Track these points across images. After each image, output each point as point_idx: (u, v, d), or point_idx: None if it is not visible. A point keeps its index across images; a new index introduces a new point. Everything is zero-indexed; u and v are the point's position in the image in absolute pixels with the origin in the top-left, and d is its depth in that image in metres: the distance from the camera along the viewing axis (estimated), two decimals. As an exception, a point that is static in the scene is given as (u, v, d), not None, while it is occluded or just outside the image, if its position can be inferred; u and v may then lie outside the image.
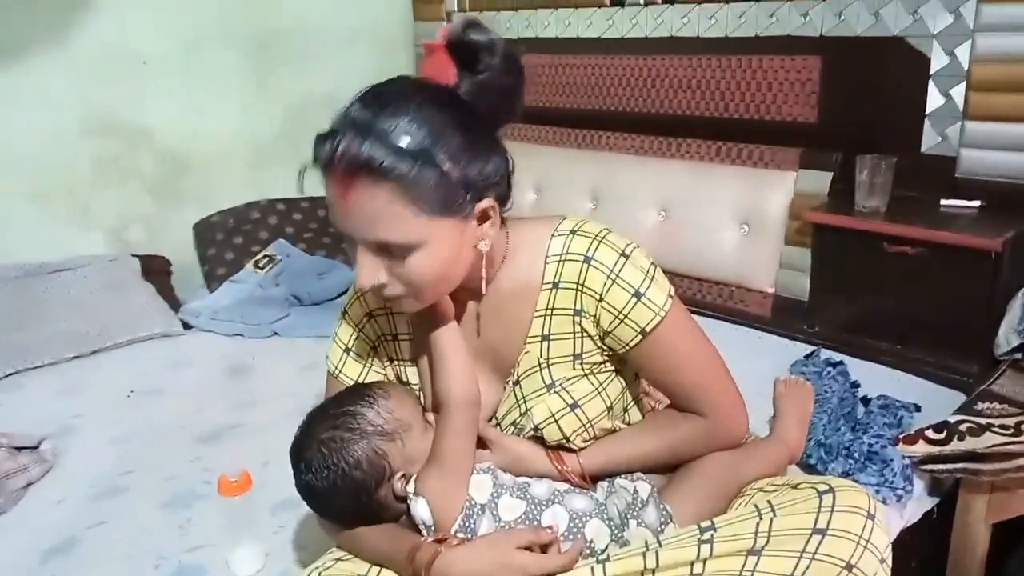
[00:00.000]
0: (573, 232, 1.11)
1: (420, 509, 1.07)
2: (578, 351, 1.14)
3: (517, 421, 1.18)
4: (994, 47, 1.86)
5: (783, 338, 2.09)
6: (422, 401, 1.20)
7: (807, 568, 0.97)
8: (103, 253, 2.64)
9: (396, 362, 1.23)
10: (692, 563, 1.00)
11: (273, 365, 2.21)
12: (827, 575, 0.96)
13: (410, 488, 1.08)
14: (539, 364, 1.15)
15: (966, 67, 1.91)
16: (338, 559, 1.11)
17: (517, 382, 1.17)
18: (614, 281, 1.07)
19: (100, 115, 2.62)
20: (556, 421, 1.14)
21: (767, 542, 0.99)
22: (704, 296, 2.31)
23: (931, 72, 1.96)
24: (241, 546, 1.38)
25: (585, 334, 1.13)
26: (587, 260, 1.08)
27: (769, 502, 1.03)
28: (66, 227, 2.62)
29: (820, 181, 2.09)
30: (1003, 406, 1.60)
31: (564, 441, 1.16)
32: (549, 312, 1.13)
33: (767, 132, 2.25)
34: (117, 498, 1.62)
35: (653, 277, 1.10)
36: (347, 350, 1.23)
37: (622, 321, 1.09)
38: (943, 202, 1.96)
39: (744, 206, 2.18)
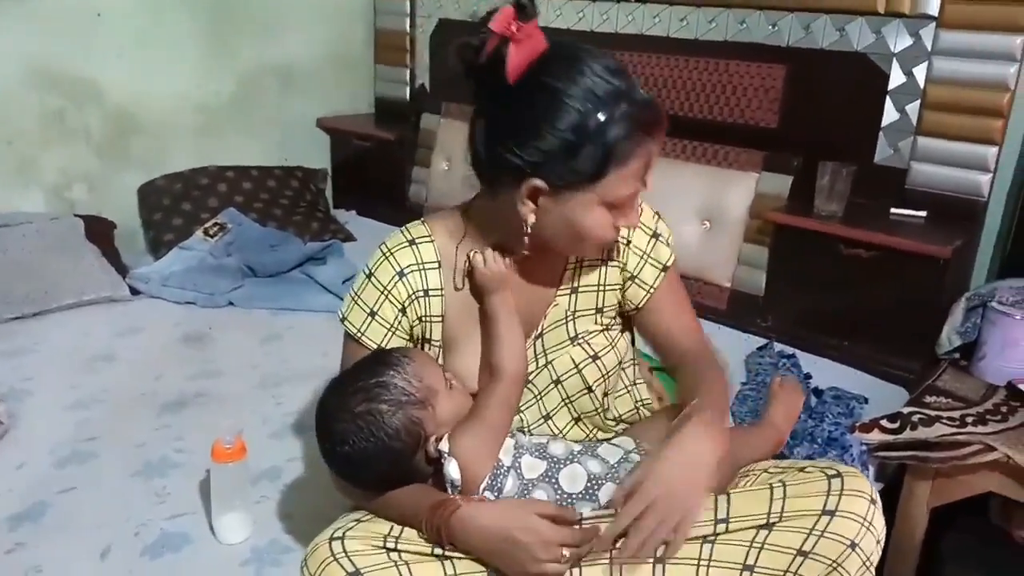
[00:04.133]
0: None
1: (451, 469, 1.09)
2: (600, 304, 1.24)
3: (530, 376, 1.22)
4: (949, 70, 2.01)
5: (737, 330, 2.20)
6: (440, 362, 1.22)
7: (815, 545, 1.04)
8: (44, 211, 2.52)
9: (424, 319, 1.21)
10: (706, 537, 1.07)
11: (232, 335, 2.18)
12: (833, 552, 1.04)
13: (443, 447, 1.10)
14: (565, 317, 1.22)
15: (922, 86, 2.05)
16: (358, 520, 1.11)
17: (540, 335, 1.22)
18: (636, 226, 1.19)
19: (48, 67, 2.50)
20: (580, 371, 1.21)
21: (779, 518, 1.06)
22: (660, 287, 2.39)
23: (889, 88, 2.10)
24: (227, 513, 1.38)
25: (608, 287, 1.23)
26: None
27: (783, 482, 1.10)
28: (4, 182, 2.48)
29: (781, 184, 2.20)
30: (948, 400, 1.74)
31: (586, 392, 1.22)
32: (579, 265, 1.23)
33: (729, 134, 2.35)
34: (85, 464, 1.58)
35: (661, 219, 1.26)
36: (372, 314, 1.20)
37: (646, 261, 1.23)
38: (892, 210, 2.10)
39: (707, 203, 2.28)
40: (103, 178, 2.68)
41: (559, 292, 1.23)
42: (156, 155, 2.78)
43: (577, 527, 1.08)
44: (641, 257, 1.23)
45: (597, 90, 1.01)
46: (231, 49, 2.90)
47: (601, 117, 1.00)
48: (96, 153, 2.66)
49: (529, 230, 1.09)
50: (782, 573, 1.05)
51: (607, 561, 1.07)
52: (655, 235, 1.23)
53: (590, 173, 1.02)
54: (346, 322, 1.22)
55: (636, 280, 1.24)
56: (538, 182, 1.04)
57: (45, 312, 2.20)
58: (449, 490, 1.10)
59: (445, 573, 1.06)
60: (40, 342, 2.07)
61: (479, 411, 1.13)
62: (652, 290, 1.24)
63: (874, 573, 1.07)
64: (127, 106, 2.69)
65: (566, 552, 1.04)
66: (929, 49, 2.02)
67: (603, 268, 1.23)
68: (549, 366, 1.22)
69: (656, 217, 1.25)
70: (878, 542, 1.06)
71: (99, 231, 2.53)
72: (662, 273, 1.24)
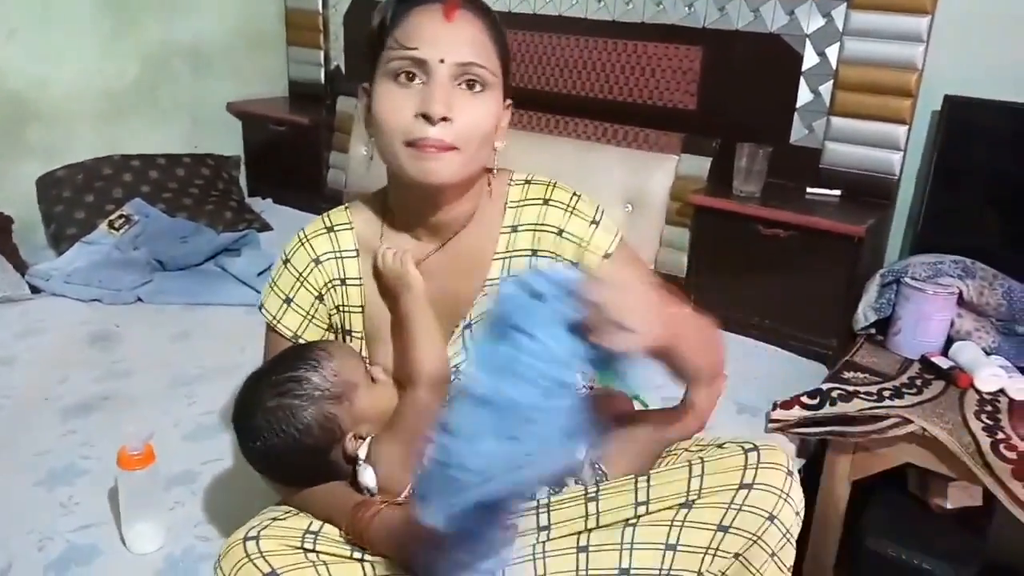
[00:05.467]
0: (528, 181, 1.22)
1: (367, 477, 1.07)
2: None
3: (460, 365, 1.19)
4: (860, 51, 2.04)
5: (661, 312, 2.21)
6: (364, 354, 1.20)
7: (734, 519, 1.03)
8: (-69, 206, 2.36)
9: (343, 309, 1.20)
10: (627, 520, 1.06)
11: (141, 333, 2.08)
12: (752, 525, 1.03)
13: (361, 454, 1.08)
14: None
15: (834, 67, 2.08)
16: (273, 518, 1.07)
17: (468, 326, 1.19)
18: (572, 213, 1.18)
19: (-73, 49, 2.33)
20: None
21: (698, 496, 1.05)
22: (584, 271, 2.39)
23: (803, 69, 2.13)
24: (138, 523, 1.31)
25: None
26: (545, 202, 1.19)
27: (701, 459, 1.09)
28: None
29: (700, 165, 2.20)
30: (865, 375, 1.79)
31: None
32: (508, 255, 1.19)
33: (648, 116, 2.35)
34: (-18, 476, 1.48)
35: (603, 212, 1.21)
36: (288, 301, 1.19)
37: (585, 248, 1.18)
38: (808, 190, 2.14)
39: (628, 186, 2.27)
40: (-3, 169, 2.53)
41: (488, 282, 1.20)
42: (55, 144, 2.62)
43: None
44: (578, 245, 1.18)
45: None
46: (134, 30, 2.75)
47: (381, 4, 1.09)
48: (-12, 143, 2.50)
49: (374, 151, 1.11)
50: (703, 550, 1.04)
51: (530, 556, 1.05)
52: (594, 222, 1.19)
53: (374, 52, 1.08)
54: (263, 309, 1.21)
55: (588, 247, 1.19)
56: (365, 84, 1.11)
57: (-65, 314, 2.06)
58: (365, 495, 1.07)
59: (364, 574, 1.03)
60: (-70, 346, 1.94)
61: (397, 419, 1.09)
62: (608, 255, 1.20)
63: (794, 545, 1.07)
64: (21, 91, 2.52)
65: None
66: (840, 30, 2.05)
67: (532, 258, 1.19)
68: None
69: (596, 208, 1.21)
70: (797, 513, 1.06)
71: (-6, 226, 2.39)
72: (615, 239, 1.20)
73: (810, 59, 2.11)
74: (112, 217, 2.52)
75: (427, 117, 1.01)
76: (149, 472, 1.30)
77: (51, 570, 1.25)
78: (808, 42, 2.11)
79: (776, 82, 2.17)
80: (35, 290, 2.25)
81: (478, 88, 1.05)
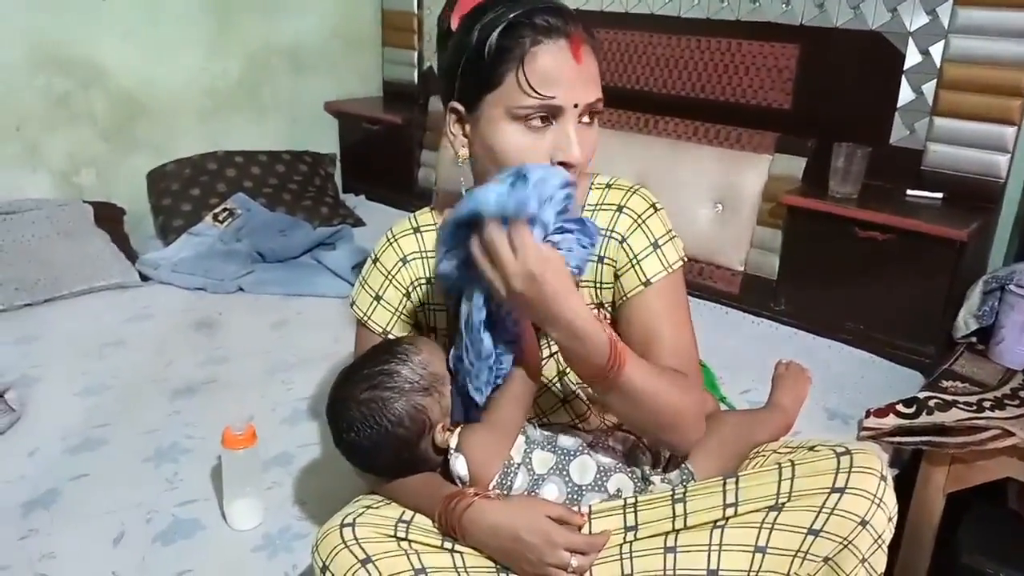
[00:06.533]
0: (608, 185, 1.18)
1: (458, 466, 1.09)
2: (598, 300, 1.19)
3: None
4: (966, 49, 1.97)
5: (750, 315, 2.18)
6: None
7: (825, 522, 1.02)
8: (52, 197, 2.51)
9: (427, 306, 1.23)
10: (715, 522, 1.06)
11: (241, 321, 2.17)
12: (843, 530, 1.02)
13: (452, 442, 1.10)
14: None
15: (938, 65, 2.02)
16: (367, 507, 1.11)
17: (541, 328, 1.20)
18: (639, 226, 1.14)
19: (52, 49, 2.48)
20: None
21: (788, 499, 1.04)
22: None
23: (904, 68, 2.07)
24: (239, 500, 1.37)
25: (604, 284, 1.18)
26: (619, 209, 1.16)
27: (792, 461, 1.08)
28: (12, 167, 2.47)
29: (794, 166, 2.17)
30: (964, 384, 1.72)
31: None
32: None
33: (742, 115, 2.32)
34: (96, 451, 1.57)
35: (673, 237, 1.16)
36: (377, 298, 1.22)
37: (633, 266, 1.14)
38: (908, 192, 2.07)
39: (720, 186, 2.25)
40: (111, 163, 2.67)
41: None
42: (163, 139, 2.76)
43: (587, 532, 1.08)
44: (629, 260, 1.14)
45: (488, 10, 1.06)
46: (237, 30, 2.88)
47: (487, 23, 1.04)
48: (103, 137, 2.64)
49: (462, 163, 1.11)
50: (793, 553, 1.03)
51: (617, 556, 1.07)
52: (655, 244, 1.14)
53: (485, 79, 1.04)
54: (354, 307, 1.25)
55: (619, 281, 1.15)
56: (456, 104, 1.08)
57: (55, 299, 2.20)
58: (458, 484, 1.10)
59: (455, 564, 1.06)
60: (50, 329, 2.06)
61: (490, 409, 1.11)
62: (625, 296, 1.15)
63: (886, 551, 1.05)
64: (133, 89, 2.67)
65: (574, 561, 1.03)
66: (946, 27, 1.98)
67: (600, 266, 1.17)
68: (554, 358, 1.20)
69: (668, 229, 1.16)
70: (890, 519, 1.03)
71: (108, 217, 2.53)
72: (640, 287, 1.14)
73: (913, 57, 2.05)
74: (216, 210, 2.64)
75: (565, 164, 1.02)
76: (251, 452, 1.36)
77: (158, 540, 1.33)
78: (911, 40, 2.04)
79: (876, 81, 2.11)
80: (144, 278, 2.38)
81: (594, 117, 1.08)
